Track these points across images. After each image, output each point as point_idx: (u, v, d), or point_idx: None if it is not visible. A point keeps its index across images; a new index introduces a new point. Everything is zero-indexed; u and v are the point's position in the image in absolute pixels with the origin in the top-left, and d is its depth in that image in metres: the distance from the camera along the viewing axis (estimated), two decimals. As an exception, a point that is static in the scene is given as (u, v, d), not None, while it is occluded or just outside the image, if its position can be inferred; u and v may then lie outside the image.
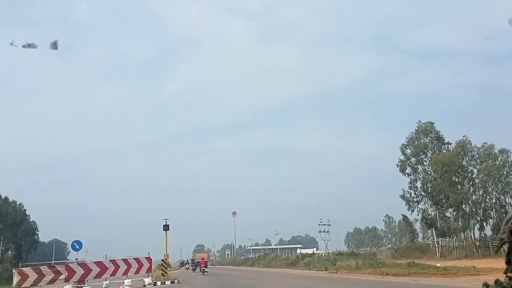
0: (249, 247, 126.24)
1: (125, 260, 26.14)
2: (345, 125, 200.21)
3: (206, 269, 45.19)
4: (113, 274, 25.31)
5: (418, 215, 51.44)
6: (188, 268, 60.41)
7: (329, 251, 62.75)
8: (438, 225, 47.52)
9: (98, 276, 24.79)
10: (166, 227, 30.42)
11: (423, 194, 49.83)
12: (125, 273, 25.56)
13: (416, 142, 51.03)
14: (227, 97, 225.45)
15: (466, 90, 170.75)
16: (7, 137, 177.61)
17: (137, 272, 25.98)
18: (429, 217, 47.88)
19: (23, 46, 3.02)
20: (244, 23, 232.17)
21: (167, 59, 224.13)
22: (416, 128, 51.63)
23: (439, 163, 45.89)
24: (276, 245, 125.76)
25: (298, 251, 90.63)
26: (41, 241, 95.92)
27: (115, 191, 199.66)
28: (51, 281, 22.68)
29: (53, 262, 36.30)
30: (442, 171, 45.59)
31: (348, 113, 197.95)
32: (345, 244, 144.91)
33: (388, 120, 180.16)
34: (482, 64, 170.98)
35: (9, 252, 74.24)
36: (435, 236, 50.58)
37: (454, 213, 46.75)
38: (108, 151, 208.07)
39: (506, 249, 1.52)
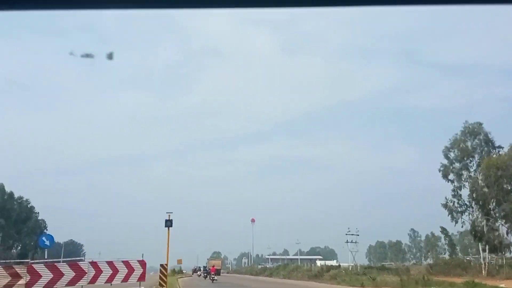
0: (267, 256, 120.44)
1: (110, 264, 20.37)
2: (367, 138, 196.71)
3: (215, 277, 44.08)
4: (93, 281, 19.60)
5: (462, 226, 45.35)
6: (200, 275, 58.54)
7: (357, 264, 56.86)
8: (487, 238, 41.04)
9: (72, 283, 18.97)
10: (168, 223, 24.37)
11: (467, 203, 43.66)
12: (109, 280, 19.95)
13: (461, 145, 44.77)
14: (250, 107, 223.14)
15: (491, 104, 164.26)
16: (33, 140, 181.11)
17: (125, 279, 20.25)
18: (479, 229, 41.29)
19: (82, 56, 3.10)
20: (267, 34, 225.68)
21: (192, 69, 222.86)
22: (462, 129, 45.38)
23: (492, 168, 39.49)
24: (295, 255, 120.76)
25: (318, 262, 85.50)
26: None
27: (136, 198, 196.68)
28: (6, 287, 17.21)
29: (61, 260, 31.66)
30: (496, 177, 39.16)
31: (370, 126, 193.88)
32: (366, 258, 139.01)
33: (411, 134, 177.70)
34: (508, 79, 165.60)
35: (13, 251, 70.03)
36: (481, 251, 44.13)
37: (507, 225, 40.34)
38: (131, 157, 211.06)
39: None
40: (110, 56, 3.44)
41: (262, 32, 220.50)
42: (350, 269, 52.60)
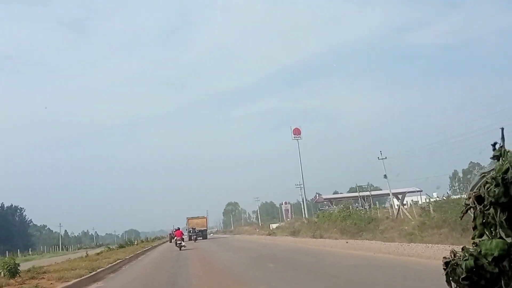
0: (328, 197, 71.53)
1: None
2: (369, 82, 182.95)
3: (183, 243, 34.07)
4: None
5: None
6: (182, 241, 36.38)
7: None
8: None
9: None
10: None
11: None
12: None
13: None
14: (242, 61, 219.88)
15: (491, 37, 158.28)
16: (23, 115, 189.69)
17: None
18: None
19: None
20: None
21: (179, 28, 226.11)
22: None
23: None
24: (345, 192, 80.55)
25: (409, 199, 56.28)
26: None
27: (134, 166, 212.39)
28: None
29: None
30: None
31: (372, 69, 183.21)
32: (449, 190, 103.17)
33: (416, 74, 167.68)
34: (507, 9, 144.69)
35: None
36: None
37: None
38: (126, 124, 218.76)
39: (472, 214, 1.47)
40: None
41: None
42: None
